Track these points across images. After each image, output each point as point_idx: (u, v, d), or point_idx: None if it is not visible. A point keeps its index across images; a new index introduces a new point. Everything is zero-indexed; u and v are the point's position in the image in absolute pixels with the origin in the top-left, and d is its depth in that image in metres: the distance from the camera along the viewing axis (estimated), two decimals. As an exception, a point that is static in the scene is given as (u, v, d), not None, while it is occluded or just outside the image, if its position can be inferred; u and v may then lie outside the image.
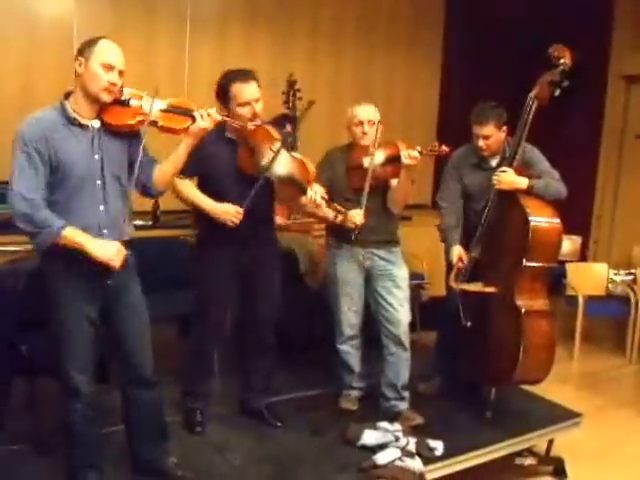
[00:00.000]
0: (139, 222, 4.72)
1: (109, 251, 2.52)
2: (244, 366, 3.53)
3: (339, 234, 3.57)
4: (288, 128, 4.61)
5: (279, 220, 4.36)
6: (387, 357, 3.60)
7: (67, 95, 2.60)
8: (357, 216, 3.34)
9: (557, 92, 3.44)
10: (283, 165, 3.13)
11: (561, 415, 3.75)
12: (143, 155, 2.64)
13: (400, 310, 3.55)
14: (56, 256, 2.54)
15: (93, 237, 2.53)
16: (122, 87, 2.61)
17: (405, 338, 3.57)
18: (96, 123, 2.59)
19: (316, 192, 3.15)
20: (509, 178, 3.45)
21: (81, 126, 2.56)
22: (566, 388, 4.67)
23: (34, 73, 4.91)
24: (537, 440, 3.62)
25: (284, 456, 3.13)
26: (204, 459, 3.10)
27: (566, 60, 3.42)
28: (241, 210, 3.06)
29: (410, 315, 3.64)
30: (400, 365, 3.58)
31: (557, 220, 3.46)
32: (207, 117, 2.71)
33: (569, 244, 6.33)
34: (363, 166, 3.40)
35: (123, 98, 2.62)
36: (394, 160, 3.34)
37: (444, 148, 3.31)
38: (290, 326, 4.44)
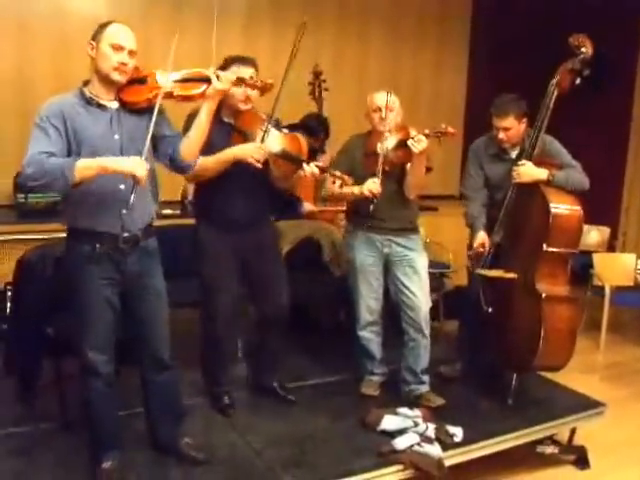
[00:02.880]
0: (168, 211, 4.80)
1: (130, 162, 2.47)
2: (256, 346, 3.58)
3: (357, 220, 3.60)
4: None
5: (308, 207, 4.39)
6: (407, 343, 3.62)
7: (85, 83, 2.64)
8: (372, 184, 3.34)
9: (578, 81, 3.45)
10: (274, 142, 3.17)
11: (584, 404, 3.72)
12: (167, 129, 2.71)
13: (419, 296, 3.56)
14: (81, 239, 2.60)
15: (113, 217, 2.57)
16: (137, 67, 2.64)
17: (425, 325, 3.59)
18: (114, 104, 2.63)
19: (312, 164, 3.15)
20: (528, 171, 3.47)
21: (99, 106, 2.60)
22: (591, 378, 4.64)
23: (66, 68, 5.00)
24: (559, 428, 3.60)
25: (304, 440, 3.16)
26: (225, 441, 3.14)
27: (586, 49, 3.43)
28: (262, 145, 3.08)
29: (430, 302, 3.66)
30: (420, 351, 3.60)
31: (577, 206, 3.46)
32: (222, 78, 2.70)
33: (597, 235, 6.26)
34: (376, 151, 3.43)
35: (138, 77, 2.65)
36: (405, 144, 3.33)
37: (450, 130, 3.29)
38: (316, 313, 4.49)
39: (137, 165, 2.46)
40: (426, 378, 3.64)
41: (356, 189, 3.42)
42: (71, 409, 3.20)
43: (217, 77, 2.69)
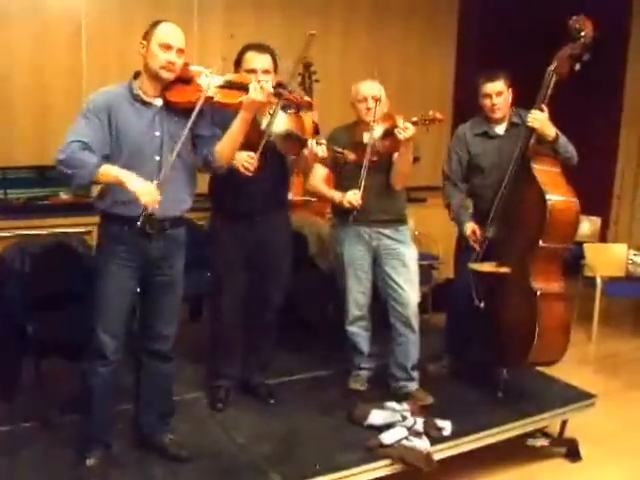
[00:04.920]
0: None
1: (143, 187, 2.49)
2: (245, 343, 3.52)
3: (344, 213, 3.55)
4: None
5: (292, 196, 4.34)
6: (396, 338, 3.57)
7: (136, 75, 2.72)
8: (353, 196, 3.33)
9: (577, 66, 3.34)
10: (279, 123, 3.12)
11: (574, 396, 3.68)
12: (205, 130, 2.78)
13: (408, 291, 3.51)
14: (111, 222, 2.70)
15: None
16: (187, 64, 2.73)
17: (414, 320, 3.54)
18: (159, 102, 2.70)
19: (314, 141, 3.10)
20: (542, 119, 3.37)
21: (144, 103, 2.69)
22: (584, 370, 4.61)
23: (44, 62, 4.95)
24: (549, 421, 3.56)
25: (290, 435, 3.12)
26: (209, 437, 3.11)
27: (587, 32, 3.32)
28: (254, 154, 3.02)
29: (419, 296, 3.61)
30: (408, 346, 3.55)
31: (574, 199, 3.38)
32: (259, 89, 2.73)
33: (588, 225, 6.24)
34: (363, 142, 3.38)
35: (186, 76, 2.71)
36: (392, 133, 3.29)
37: (437, 116, 3.26)
38: (302, 308, 4.44)
39: (145, 192, 2.48)
40: (416, 375, 3.59)
41: (337, 197, 3.43)
42: (52, 408, 3.18)
43: (254, 89, 2.71)
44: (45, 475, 2.76)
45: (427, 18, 6.61)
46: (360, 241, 3.55)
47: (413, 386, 3.57)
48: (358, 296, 3.61)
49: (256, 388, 3.52)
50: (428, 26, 6.61)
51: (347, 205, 3.34)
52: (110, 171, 2.52)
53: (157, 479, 2.77)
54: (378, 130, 3.37)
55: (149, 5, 5.13)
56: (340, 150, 3.21)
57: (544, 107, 3.39)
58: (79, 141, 2.51)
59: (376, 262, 3.59)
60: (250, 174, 3.04)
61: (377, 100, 3.40)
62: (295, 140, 3.13)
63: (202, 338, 3.83)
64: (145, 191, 2.49)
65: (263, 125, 3.05)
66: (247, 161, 3.02)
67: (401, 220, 3.59)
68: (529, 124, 3.40)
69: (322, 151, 3.13)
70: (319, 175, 3.55)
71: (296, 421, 3.27)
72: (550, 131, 3.39)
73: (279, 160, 3.28)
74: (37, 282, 3.34)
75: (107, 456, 2.81)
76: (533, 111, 3.40)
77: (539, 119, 3.37)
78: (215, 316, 3.46)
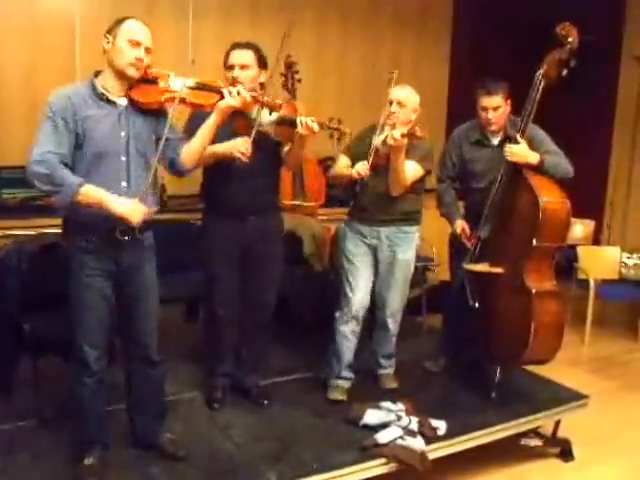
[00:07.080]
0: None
1: (128, 206, 2.50)
2: (238, 342, 3.51)
3: (349, 210, 3.64)
4: None
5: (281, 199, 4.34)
6: (374, 330, 3.76)
7: (97, 74, 2.64)
8: (361, 166, 3.37)
9: (565, 72, 3.40)
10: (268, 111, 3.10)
11: (567, 396, 3.71)
12: (171, 133, 2.69)
13: (392, 294, 3.62)
14: (77, 231, 2.61)
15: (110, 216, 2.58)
16: (149, 66, 2.65)
17: (390, 321, 3.67)
18: (124, 101, 2.63)
19: (305, 118, 3.05)
20: (522, 151, 3.40)
21: (109, 102, 2.60)
22: (577, 371, 4.64)
23: (37, 62, 4.98)
24: (542, 421, 3.58)
25: (286, 435, 3.13)
26: (206, 437, 3.11)
27: (573, 39, 3.37)
28: (248, 139, 3.02)
29: (405, 299, 3.70)
30: (381, 340, 3.75)
31: (566, 200, 3.41)
32: (236, 95, 2.72)
33: (582, 228, 6.26)
34: (372, 142, 3.44)
35: (150, 77, 2.66)
36: None
37: (418, 133, 3.26)
38: (298, 308, 4.46)
39: (132, 212, 2.51)
40: (387, 364, 3.76)
41: (347, 170, 3.49)
42: (49, 406, 3.18)
43: (230, 93, 2.69)
44: (42, 474, 2.76)
45: (421, 22, 6.66)
46: (361, 238, 3.59)
47: (381, 372, 3.77)
48: (358, 294, 3.58)
49: (250, 390, 3.52)
50: (422, 30, 6.66)
51: (355, 175, 3.38)
52: (90, 192, 2.46)
53: (154, 478, 2.77)
54: (382, 135, 3.41)
55: (143, 8, 5.15)
56: (335, 125, 3.23)
57: (519, 139, 3.41)
58: (56, 153, 2.45)
59: (375, 261, 3.63)
60: (246, 160, 3.02)
61: (401, 105, 3.45)
62: (287, 124, 3.10)
63: (198, 339, 3.85)
64: (131, 211, 2.50)
65: (253, 114, 3.06)
66: (243, 146, 3.01)
67: (406, 220, 3.59)
68: (507, 159, 3.43)
69: (315, 125, 3.06)
70: (342, 163, 3.61)
71: (292, 421, 3.28)
72: (532, 159, 3.41)
73: (269, 158, 3.26)
74: (33, 281, 3.33)
75: (105, 456, 2.81)
76: (509, 145, 3.43)
77: (517, 153, 3.40)
78: (209, 314, 3.47)
